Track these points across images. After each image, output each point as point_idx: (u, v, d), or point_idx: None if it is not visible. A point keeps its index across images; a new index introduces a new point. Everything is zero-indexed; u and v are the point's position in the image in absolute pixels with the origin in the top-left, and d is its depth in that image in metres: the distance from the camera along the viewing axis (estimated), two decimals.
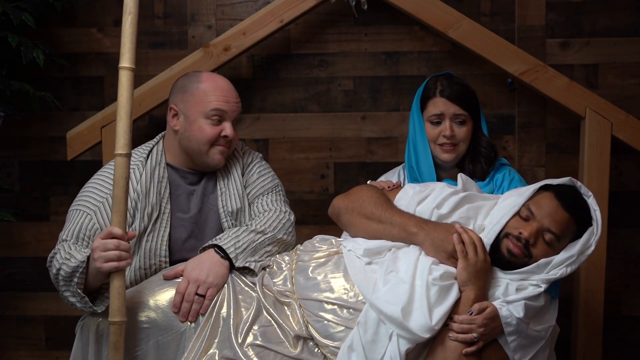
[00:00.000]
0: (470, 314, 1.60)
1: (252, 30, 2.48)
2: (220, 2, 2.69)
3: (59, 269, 1.73)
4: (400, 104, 2.67)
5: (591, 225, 1.71)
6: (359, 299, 1.66)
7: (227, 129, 1.94)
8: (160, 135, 2.06)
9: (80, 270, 1.68)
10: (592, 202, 1.73)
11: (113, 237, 1.63)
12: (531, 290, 1.64)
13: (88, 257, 1.68)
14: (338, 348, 1.64)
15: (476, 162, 2.07)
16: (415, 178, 2.08)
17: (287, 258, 1.85)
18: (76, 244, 1.82)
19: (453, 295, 1.62)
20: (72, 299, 1.73)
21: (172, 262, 1.92)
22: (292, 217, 2.01)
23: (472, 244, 1.64)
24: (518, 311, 1.60)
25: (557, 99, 2.44)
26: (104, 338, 1.73)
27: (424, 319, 1.56)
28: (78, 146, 2.51)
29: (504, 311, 1.61)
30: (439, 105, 2.04)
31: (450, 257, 1.66)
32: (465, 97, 2.04)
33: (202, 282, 1.72)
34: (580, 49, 2.64)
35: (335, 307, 1.68)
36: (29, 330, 2.79)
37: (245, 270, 1.81)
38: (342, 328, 1.65)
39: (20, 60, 2.35)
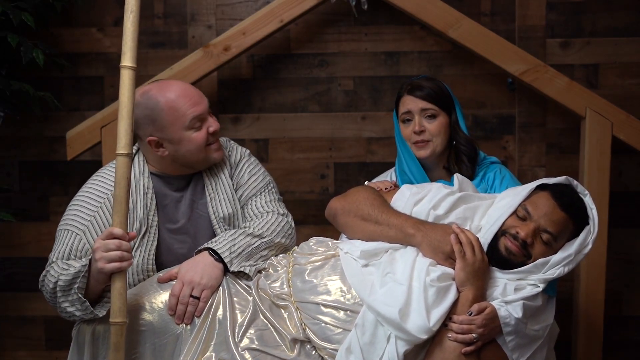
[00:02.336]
0: (470, 315, 1.59)
1: (252, 30, 2.47)
2: (220, 2, 2.69)
3: (56, 282, 1.70)
4: None
5: (588, 224, 1.71)
6: (356, 301, 1.66)
7: (211, 124, 1.90)
8: (136, 146, 1.97)
9: (82, 274, 1.66)
10: (588, 200, 1.73)
11: (114, 237, 1.61)
12: (529, 290, 1.64)
13: (90, 261, 1.66)
14: (336, 350, 1.64)
15: (460, 163, 2.07)
16: (409, 181, 2.07)
17: (283, 261, 1.84)
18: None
19: (451, 296, 1.62)
20: (70, 309, 1.70)
21: None
22: (292, 220, 1.97)
23: (470, 244, 1.64)
24: (517, 311, 1.60)
25: (557, 99, 2.43)
26: (100, 341, 1.72)
27: (421, 321, 1.56)
28: (78, 146, 2.51)
29: (502, 311, 1.60)
30: (406, 103, 2.06)
31: (448, 258, 1.66)
32: (431, 92, 2.05)
33: (196, 284, 1.71)
34: (581, 49, 2.63)
35: (333, 309, 1.67)
36: (29, 330, 2.79)
37: (240, 274, 1.79)
38: (340, 330, 1.65)
39: (20, 60, 2.35)
